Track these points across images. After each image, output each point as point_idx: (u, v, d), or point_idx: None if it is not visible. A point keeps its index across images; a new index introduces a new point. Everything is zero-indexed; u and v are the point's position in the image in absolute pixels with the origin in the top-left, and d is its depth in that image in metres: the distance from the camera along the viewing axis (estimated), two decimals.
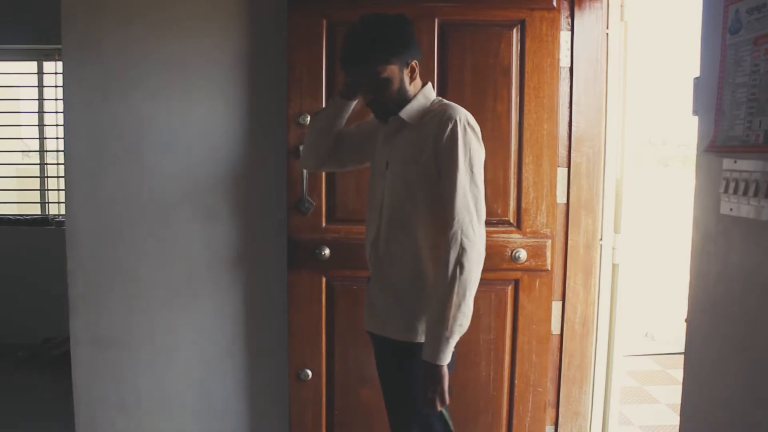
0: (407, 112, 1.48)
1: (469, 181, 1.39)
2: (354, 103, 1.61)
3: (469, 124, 1.42)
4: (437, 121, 1.43)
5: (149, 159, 2.20)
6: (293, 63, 2.02)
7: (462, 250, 1.35)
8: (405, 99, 1.48)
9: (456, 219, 1.37)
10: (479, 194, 1.41)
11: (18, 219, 3.86)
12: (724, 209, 1.19)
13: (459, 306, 1.35)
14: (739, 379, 1.16)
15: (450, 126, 1.40)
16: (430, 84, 1.55)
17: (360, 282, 2.06)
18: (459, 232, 1.36)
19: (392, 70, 1.45)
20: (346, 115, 1.63)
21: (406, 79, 1.47)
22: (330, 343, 2.09)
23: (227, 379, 2.28)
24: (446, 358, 1.37)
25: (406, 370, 1.47)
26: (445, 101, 1.51)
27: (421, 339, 1.44)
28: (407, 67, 1.47)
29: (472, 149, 1.40)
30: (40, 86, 3.83)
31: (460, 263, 1.35)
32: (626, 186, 2.25)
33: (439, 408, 1.41)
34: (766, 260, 1.08)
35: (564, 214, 2.14)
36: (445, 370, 1.38)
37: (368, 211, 1.61)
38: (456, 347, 1.42)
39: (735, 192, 1.15)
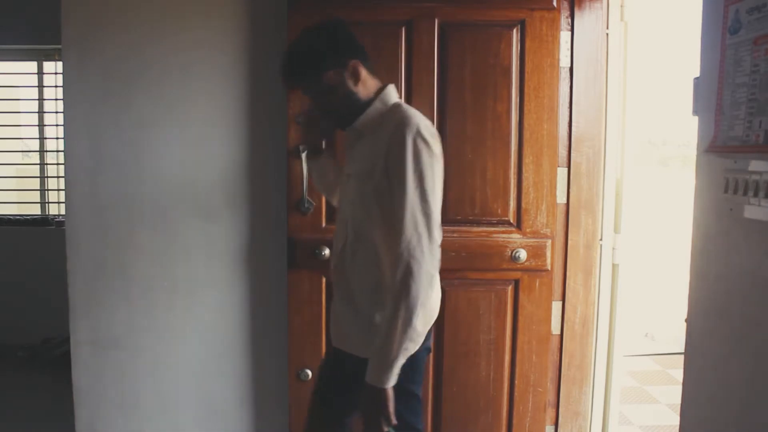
0: (362, 120, 1.43)
1: (419, 199, 1.31)
2: (330, 159, 1.62)
3: (421, 135, 1.32)
4: (389, 132, 1.34)
5: (149, 159, 2.20)
6: None
7: (408, 271, 1.29)
8: (357, 105, 1.42)
9: (403, 238, 1.29)
10: (431, 212, 1.33)
11: (18, 219, 3.86)
12: (725, 209, 1.19)
13: (404, 330, 1.29)
14: (739, 379, 1.16)
15: (398, 139, 1.31)
16: (391, 86, 1.47)
17: None
18: (406, 252, 1.29)
19: (329, 77, 1.39)
20: (331, 167, 1.63)
21: (350, 82, 1.40)
22: (330, 344, 2.09)
23: (227, 379, 2.28)
24: (390, 382, 1.33)
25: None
26: (403, 107, 1.42)
27: (362, 354, 1.40)
28: (346, 69, 1.40)
29: (422, 164, 1.31)
30: (40, 86, 3.83)
31: (406, 285, 1.29)
32: (626, 186, 2.25)
33: (385, 430, 1.37)
34: (767, 260, 1.08)
35: (564, 214, 2.14)
36: (390, 393, 1.34)
37: (337, 222, 1.55)
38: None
39: (735, 192, 1.15)
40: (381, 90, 1.46)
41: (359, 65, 1.41)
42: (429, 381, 2.09)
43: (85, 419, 2.26)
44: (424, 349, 1.48)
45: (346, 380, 1.50)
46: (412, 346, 1.33)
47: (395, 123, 1.34)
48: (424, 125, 1.35)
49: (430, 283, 1.33)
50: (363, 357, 1.39)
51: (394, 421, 1.37)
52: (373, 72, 1.47)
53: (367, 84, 1.43)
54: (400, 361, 1.32)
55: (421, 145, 1.31)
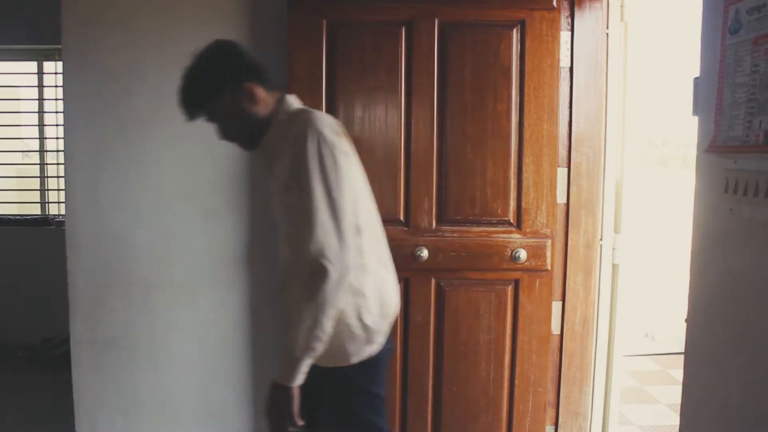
0: (268, 137, 1.42)
1: (325, 200, 1.29)
2: None
3: (322, 136, 1.31)
4: (292, 139, 1.34)
5: (149, 159, 2.20)
6: (293, 63, 2.02)
7: (318, 272, 1.27)
8: (259, 124, 1.42)
9: (312, 240, 1.27)
10: (338, 211, 1.30)
11: (18, 219, 3.86)
12: (724, 209, 1.19)
13: (311, 330, 1.28)
14: (739, 379, 1.16)
15: (300, 144, 1.31)
16: (290, 96, 1.47)
17: None
18: (316, 254, 1.27)
19: (225, 103, 1.39)
20: None
21: (248, 105, 1.39)
22: None
23: (228, 379, 2.28)
24: (296, 381, 1.32)
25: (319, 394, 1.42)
26: (305, 111, 1.42)
27: (323, 363, 1.39)
28: (242, 93, 1.39)
29: (325, 164, 1.30)
30: (40, 86, 3.83)
31: (316, 286, 1.27)
32: (626, 186, 2.25)
33: (291, 430, 1.36)
34: (766, 260, 1.08)
35: (564, 214, 2.14)
36: (295, 392, 1.33)
37: (277, 242, 1.52)
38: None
39: (735, 192, 1.15)
40: (280, 102, 1.45)
41: (254, 86, 1.39)
42: (429, 381, 2.09)
43: (85, 419, 2.26)
44: (385, 350, 1.47)
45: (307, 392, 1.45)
46: (321, 346, 1.31)
47: (296, 129, 1.34)
48: (327, 124, 1.35)
49: (341, 284, 1.30)
50: (323, 366, 1.39)
51: (299, 421, 1.35)
52: (271, 86, 1.45)
53: (266, 101, 1.42)
54: (307, 360, 1.31)
55: (323, 146, 1.31)
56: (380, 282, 1.45)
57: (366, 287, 1.39)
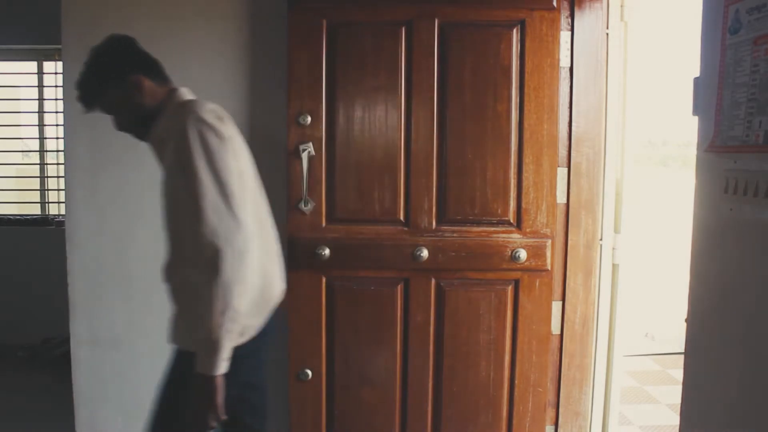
0: (156, 128, 1.45)
1: (213, 182, 1.30)
2: None
3: (203, 121, 1.33)
4: (175, 128, 1.36)
5: (149, 159, 2.18)
6: (293, 63, 2.02)
7: (216, 253, 1.27)
8: (147, 115, 1.45)
9: (205, 224, 1.28)
10: (229, 192, 1.31)
11: (18, 219, 3.86)
12: (724, 209, 1.19)
13: (223, 312, 1.27)
14: (739, 379, 1.16)
15: (181, 131, 1.33)
16: (182, 89, 1.51)
17: (360, 282, 2.06)
18: (211, 236, 1.27)
19: (114, 95, 1.44)
20: None
21: (135, 96, 1.43)
22: (330, 343, 2.09)
23: None
24: (217, 368, 1.29)
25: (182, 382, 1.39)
26: (190, 101, 1.45)
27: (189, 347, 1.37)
28: (130, 85, 1.43)
29: (210, 148, 1.31)
30: (40, 86, 3.83)
31: (216, 268, 1.26)
32: (626, 186, 2.25)
33: (213, 425, 1.33)
34: (766, 260, 1.08)
35: (564, 214, 2.14)
36: (219, 383, 1.30)
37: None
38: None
39: (735, 192, 1.15)
40: (170, 94, 1.48)
41: (142, 78, 1.44)
42: (429, 381, 2.09)
43: (85, 419, 2.26)
44: (257, 339, 1.45)
45: (181, 377, 1.43)
46: (237, 326, 1.31)
47: (179, 118, 1.36)
48: (208, 110, 1.37)
49: (242, 260, 1.30)
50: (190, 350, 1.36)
51: (222, 415, 1.33)
52: (162, 79, 1.49)
53: (155, 94, 1.46)
54: (227, 344, 1.30)
55: (205, 130, 1.33)
56: (262, 273, 1.45)
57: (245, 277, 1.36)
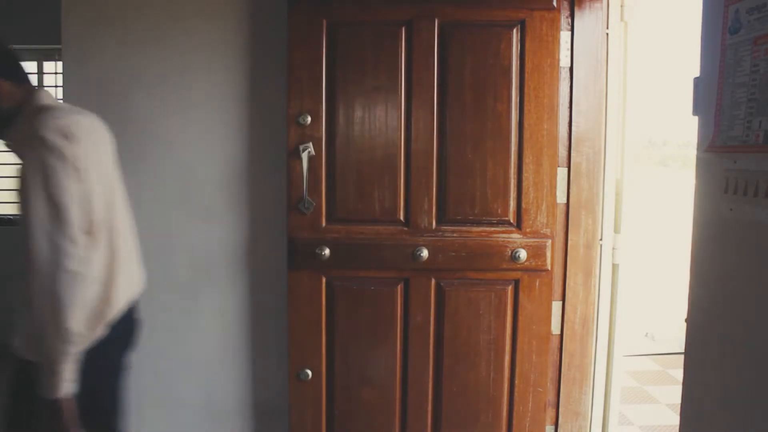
0: (12, 131, 1.43)
1: (44, 203, 1.30)
2: None
3: (45, 142, 1.31)
4: (26, 141, 1.35)
5: (149, 159, 2.20)
6: (293, 63, 2.02)
7: (47, 275, 1.26)
8: (4, 116, 1.44)
9: (36, 244, 1.28)
10: (64, 216, 1.31)
11: (18, 219, 3.85)
12: (724, 209, 1.19)
13: (56, 334, 1.25)
14: (739, 379, 1.16)
15: (28, 142, 1.32)
16: (41, 92, 1.48)
17: (360, 282, 2.06)
18: (39, 256, 1.27)
19: None
20: None
21: None
22: (330, 343, 2.10)
23: (227, 379, 2.28)
24: (60, 390, 1.27)
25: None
26: (47, 109, 1.41)
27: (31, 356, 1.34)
28: None
29: (47, 170, 1.31)
30: (40, 86, 3.83)
31: (44, 288, 1.26)
32: (626, 186, 2.25)
33: None
34: (766, 260, 1.08)
35: (564, 214, 2.14)
36: (64, 404, 1.27)
37: None
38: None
39: (735, 192, 1.15)
40: (29, 96, 1.46)
41: (3, 82, 1.42)
42: (429, 381, 2.09)
43: None
44: (102, 340, 1.42)
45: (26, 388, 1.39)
46: (74, 348, 1.28)
47: (30, 132, 1.34)
48: (54, 128, 1.33)
49: (75, 284, 1.29)
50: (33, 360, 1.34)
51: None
52: (20, 80, 1.48)
53: (12, 95, 1.44)
54: (65, 366, 1.28)
55: (44, 152, 1.31)
56: (106, 281, 1.43)
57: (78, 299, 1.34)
